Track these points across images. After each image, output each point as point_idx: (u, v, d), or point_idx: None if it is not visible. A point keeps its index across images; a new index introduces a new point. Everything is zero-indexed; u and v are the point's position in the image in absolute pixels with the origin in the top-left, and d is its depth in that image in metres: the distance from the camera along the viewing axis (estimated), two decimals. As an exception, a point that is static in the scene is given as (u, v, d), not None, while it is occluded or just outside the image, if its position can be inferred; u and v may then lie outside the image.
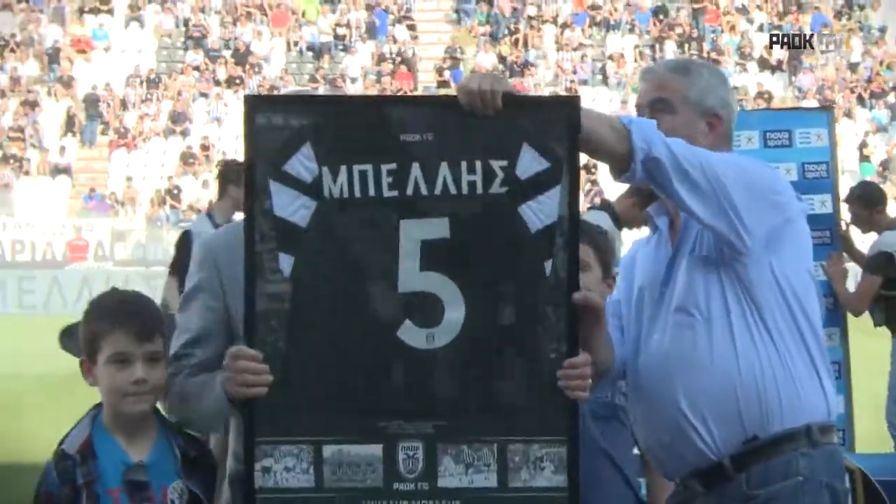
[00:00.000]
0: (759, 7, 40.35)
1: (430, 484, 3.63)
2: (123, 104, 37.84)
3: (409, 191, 3.64)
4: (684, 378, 3.88)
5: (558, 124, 3.65)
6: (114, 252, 34.41)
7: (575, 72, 38.47)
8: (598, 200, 37.64)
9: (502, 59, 38.82)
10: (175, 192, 35.33)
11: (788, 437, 3.82)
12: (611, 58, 38.95)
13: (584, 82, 38.29)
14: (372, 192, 3.63)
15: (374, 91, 37.72)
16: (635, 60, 38.68)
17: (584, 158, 3.74)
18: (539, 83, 37.99)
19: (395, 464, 3.63)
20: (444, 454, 3.64)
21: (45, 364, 13.58)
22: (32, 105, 37.49)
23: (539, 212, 3.65)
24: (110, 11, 40.33)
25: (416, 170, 3.64)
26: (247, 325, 3.64)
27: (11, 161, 36.10)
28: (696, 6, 40.11)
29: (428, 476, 3.64)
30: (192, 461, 3.79)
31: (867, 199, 9.09)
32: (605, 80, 38.57)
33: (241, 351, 3.60)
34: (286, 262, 3.63)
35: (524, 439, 3.65)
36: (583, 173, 37.53)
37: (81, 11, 40.11)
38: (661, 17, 40.04)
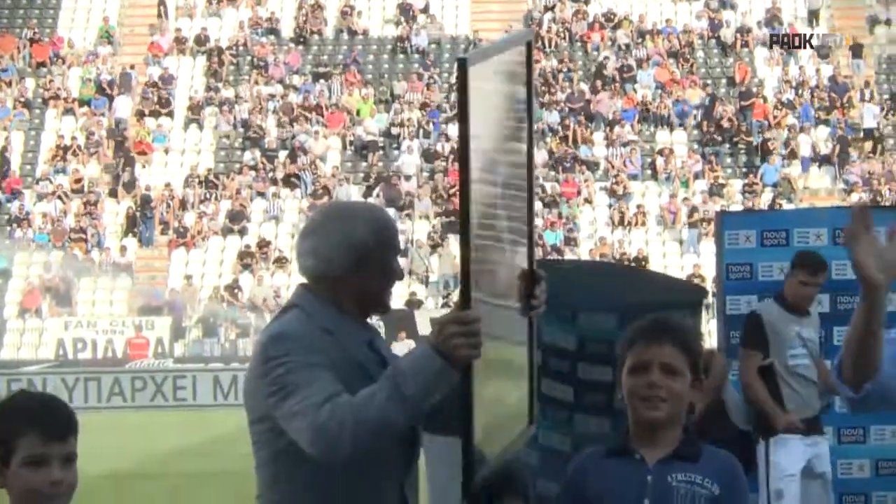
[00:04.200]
0: (807, 102, 40.73)
1: None
2: (182, 204, 38.59)
3: None
4: None
5: None
6: (173, 350, 34.99)
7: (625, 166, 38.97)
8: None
9: (551, 153, 39.36)
10: (233, 289, 35.94)
11: None
12: (660, 153, 39.41)
13: (634, 177, 38.78)
14: None
15: (427, 188, 38.31)
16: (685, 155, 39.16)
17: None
18: (589, 178, 38.50)
19: None
20: None
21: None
22: (94, 205, 38.37)
23: None
24: (170, 114, 41.20)
25: None
26: None
27: (73, 261, 36.88)
28: (743, 102, 40.54)
29: None
30: None
31: None
32: (654, 175, 39.04)
33: None
34: None
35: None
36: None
37: (141, 114, 41.02)
38: (708, 112, 40.44)
